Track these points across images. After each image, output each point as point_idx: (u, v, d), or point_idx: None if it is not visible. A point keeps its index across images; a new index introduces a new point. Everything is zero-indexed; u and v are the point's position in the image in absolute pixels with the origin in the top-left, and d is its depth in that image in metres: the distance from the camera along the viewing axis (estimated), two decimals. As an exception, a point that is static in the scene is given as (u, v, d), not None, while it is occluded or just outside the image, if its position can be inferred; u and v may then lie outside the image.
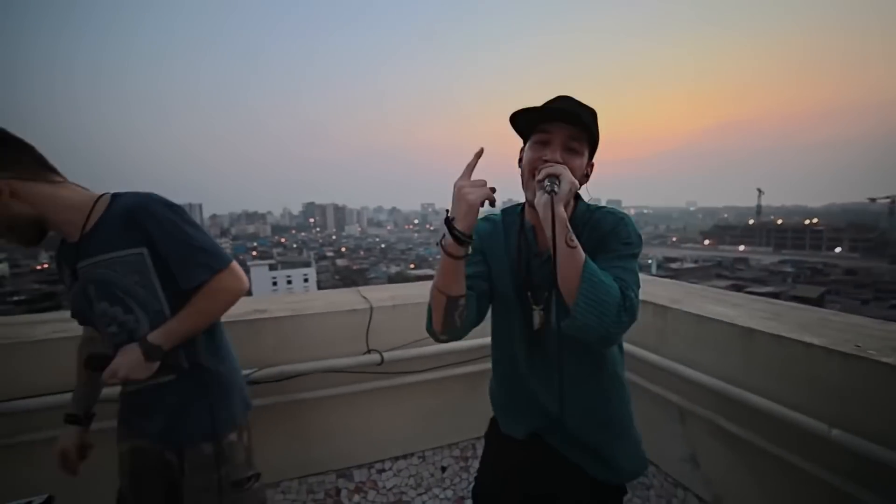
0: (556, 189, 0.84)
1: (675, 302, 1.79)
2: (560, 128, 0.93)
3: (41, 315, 1.84)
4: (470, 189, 0.84)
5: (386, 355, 1.76)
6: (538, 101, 0.96)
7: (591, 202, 1.05)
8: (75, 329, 1.59)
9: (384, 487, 1.95)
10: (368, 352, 1.77)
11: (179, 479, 1.14)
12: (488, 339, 1.93)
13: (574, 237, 0.85)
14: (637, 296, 0.89)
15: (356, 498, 1.91)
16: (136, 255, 1.04)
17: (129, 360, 1.02)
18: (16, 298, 44.11)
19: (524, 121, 0.98)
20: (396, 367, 1.81)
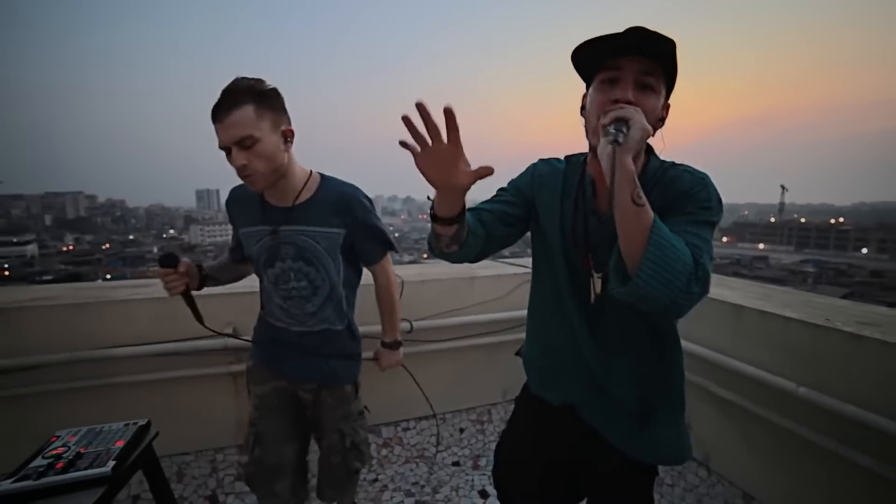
0: (622, 136, 0.72)
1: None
2: (632, 61, 0.79)
3: (118, 281, 2.12)
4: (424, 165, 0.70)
5: (415, 324, 1.99)
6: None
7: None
8: (148, 292, 1.87)
9: (408, 444, 2.20)
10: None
11: (305, 413, 1.39)
12: (508, 314, 2.17)
13: (642, 193, 0.72)
14: (711, 267, 0.75)
15: (384, 451, 2.15)
16: (336, 235, 1.25)
17: (395, 359, 1.50)
18: (45, 278, 45.94)
19: (589, 56, 0.82)
20: (424, 335, 2.04)
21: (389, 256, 1.39)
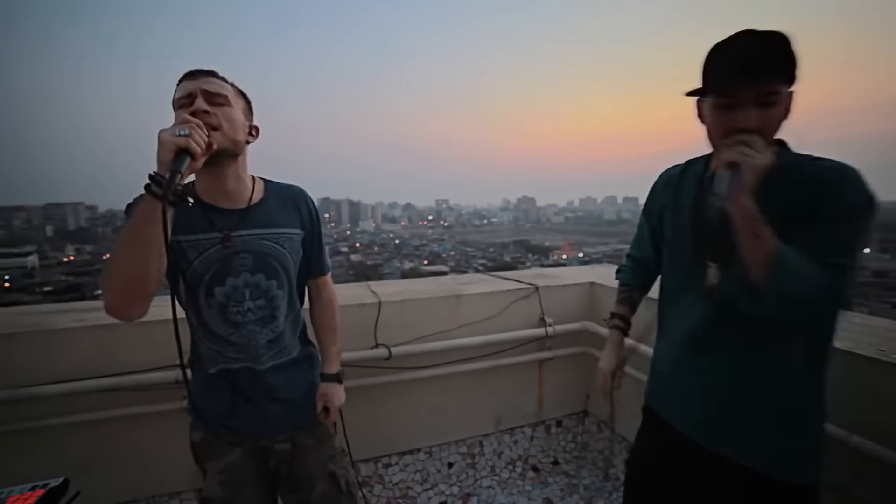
0: (727, 191, 0.73)
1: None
2: (747, 90, 0.77)
3: (62, 305, 1.90)
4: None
5: (394, 350, 1.77)
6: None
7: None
8: (93, 318, 1.65)
9: (390, 482, 1.97)
10: (376, 346, 1.78)
11: (283, 468, 1.14)
12: (500, 336, 1.94)
13: (761, 225, 0.72)
14: (850, 283, 0.74)
15: (362, 492, 1.92)
16: (297, 236, 1.10)
17: (337, 395, 1.19)
18: (45, 289, 45.82)
19: (701, 77, 0.82)
20: (404, 362, 1.81)
21: (330, 279, 1.28)
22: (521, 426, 2.17)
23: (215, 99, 0.95)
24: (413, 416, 1.95)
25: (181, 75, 0.99)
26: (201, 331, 1.06)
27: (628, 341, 1.89)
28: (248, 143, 1.04)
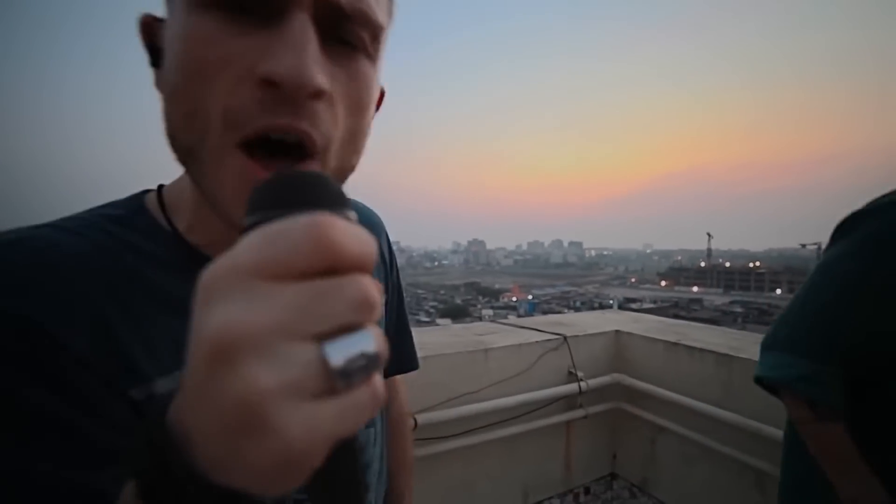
0: None
1: (735, 350, 1.64)
2: None
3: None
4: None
5: (420, 418, 1.47)
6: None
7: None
8: None
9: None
10: (399, 415, 1.47)
11: None
12: (530, 395, 1.70)
13: None
14: None
15: None
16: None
17: None
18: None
19: None
20: (430, 431, 1.52)
21: None
22: (549, 497, 1.89)
23: (353, 32, 0.33)
24: (436, 497, 1.62)
25: None
26: None
27: (670, 395, 1.74)
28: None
